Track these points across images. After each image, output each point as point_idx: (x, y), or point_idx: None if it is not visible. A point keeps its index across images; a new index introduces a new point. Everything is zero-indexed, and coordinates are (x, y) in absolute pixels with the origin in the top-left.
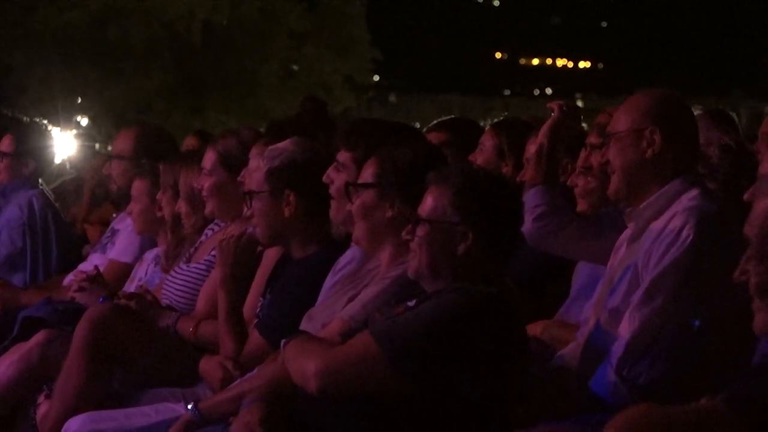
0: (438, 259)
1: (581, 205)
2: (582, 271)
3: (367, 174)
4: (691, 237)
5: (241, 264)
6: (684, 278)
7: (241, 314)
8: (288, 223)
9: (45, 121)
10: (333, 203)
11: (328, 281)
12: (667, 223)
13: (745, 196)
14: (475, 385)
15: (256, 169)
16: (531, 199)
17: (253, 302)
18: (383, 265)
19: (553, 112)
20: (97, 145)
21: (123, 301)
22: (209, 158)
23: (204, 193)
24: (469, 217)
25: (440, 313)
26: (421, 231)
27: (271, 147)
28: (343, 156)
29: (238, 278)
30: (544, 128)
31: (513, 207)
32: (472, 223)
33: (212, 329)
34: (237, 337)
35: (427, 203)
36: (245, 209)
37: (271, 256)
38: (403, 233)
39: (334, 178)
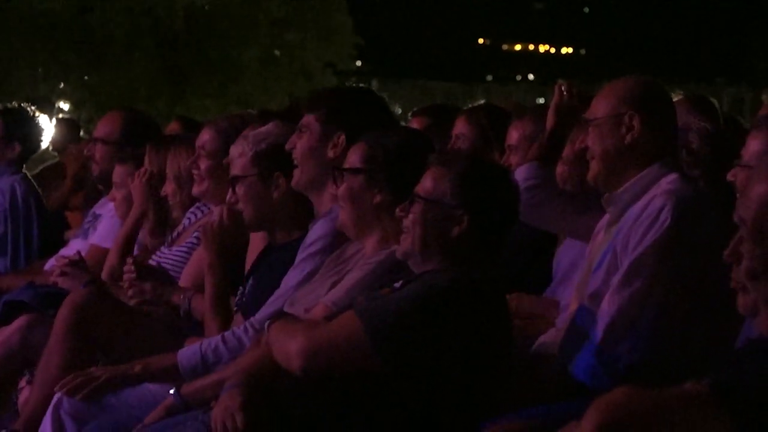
0: (430, 239)
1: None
2: (564, 255)
3: (355, 159)
4: (669, 220)
5: (226, 247)
6: (663, 261)
7: (227, 298)
8: (276, 206)
9: (33, 107)
10: (296, 171)
11: (298, 257)
12: (646, 205)
13: (728, 176)
14: (457, 368)
15: (241, 154)
16: (522, 172)
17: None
18: (368, 250)
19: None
20: (81, 133)
21: (129, 276)
22: (211, 139)
23: (198, 173)
24: (467, 202)
25: (425, 294)
26: (417, 209)
27: (253, 132)
28: (306, 119)
29: (225, 262)
30: (550, 109)
31: (511, 197)
32: (469, 208)
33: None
34: (222, 321)
35: (427, 182)
36: (228, 195)
37: (256, 243)
38: (397, 210)
39: (296, 143)
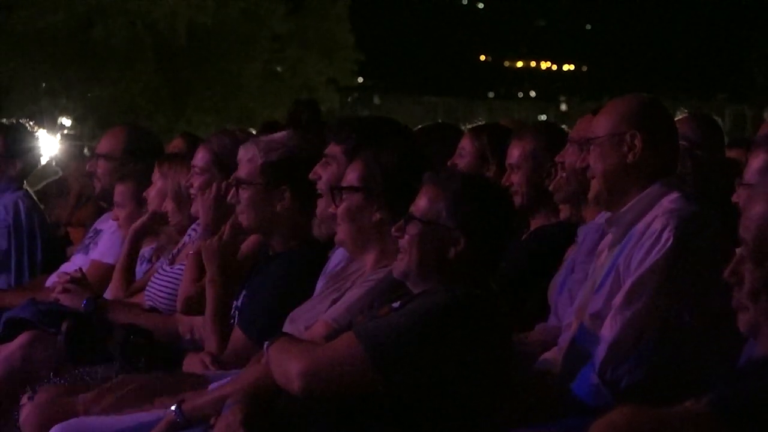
0: (427, 260)
1: (557, 198)
2: (560, 285)
3: (353, 177)
4: (671, 240)
5: (227, 261)
6: (665, 281)
7: (227, 313)
8: (277, 217)
9: (31, 123)
10: (321, 200)
11: (319, 284)
12: (648, 225)
13: (733, 198)
14: (458, 386)
15: (250, 159)
16: None
17: None
18: (367, 267)
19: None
20: (85, 150)
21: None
22: (202, 157)
23: (192, 191)
24: (463, 224)
25: (425, 314)
26: (413, 230)
27: (266, 138)
28: (332, 149)
29: (225, 277)
30: None
31: (507, 215)
32: (465, 229)
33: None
34: (221, 335)
35: (422, 203)
36: (230, 196)
37: (247, 247)
38: (393, 229)
39: (322, 174)
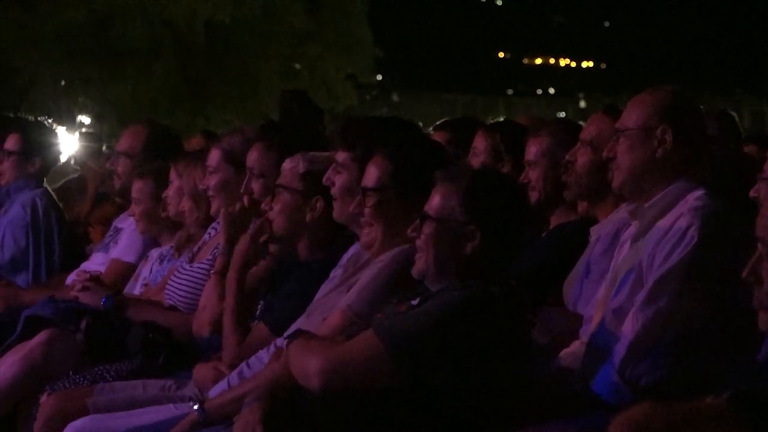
0: (444, 258)
1: (567, 195)
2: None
3: (375, 176)
4: (696, 239)
5: (252, 262)
6: (688, 280)
7: (246, 309)
8: (307, 226)
9: (50, 120)
10: (336, 204)
11: (327, 284)
12: (673, 222)
13: (751, 192)
14: (478, 382)
15: (293, 167)
16: None
17: None
18: (375, 249)
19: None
20: (104, 147)
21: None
22: (214, 156)
23: (210, 192)
24: (477, 218)
25: (444, 311)
26: (428, 228)
27: (313, 153)
28: (341, 156)
29: (245, 277)
30: None
31: (520, 208)
32: (480, 223)
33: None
34: (241, 335)
35: (435, 201)
36: (264, 204)
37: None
38: (409, 230)
39: (335, 180)
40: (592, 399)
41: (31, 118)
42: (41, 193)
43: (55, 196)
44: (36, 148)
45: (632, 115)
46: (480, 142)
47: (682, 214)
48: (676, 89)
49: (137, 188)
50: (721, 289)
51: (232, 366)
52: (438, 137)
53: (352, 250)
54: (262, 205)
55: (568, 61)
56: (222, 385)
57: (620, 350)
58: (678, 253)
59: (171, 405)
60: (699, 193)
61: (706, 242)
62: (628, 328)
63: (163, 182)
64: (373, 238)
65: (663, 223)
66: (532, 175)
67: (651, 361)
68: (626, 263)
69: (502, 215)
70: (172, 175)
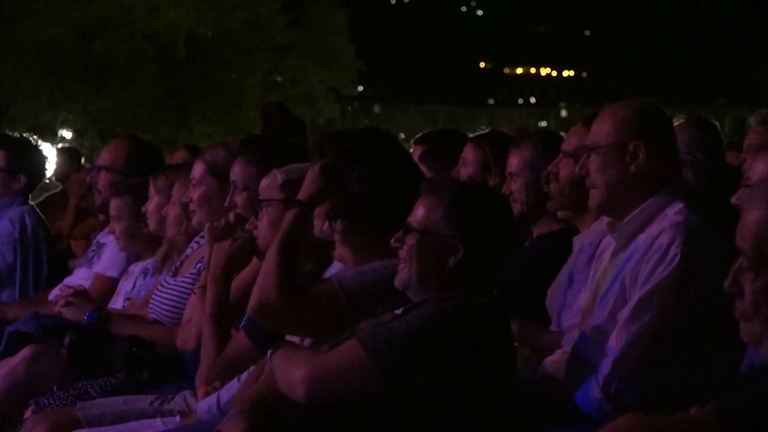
0: (427, 270)
1: (550, 206)
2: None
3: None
4: (678, 255)
5: (235, 265)
6: (672, 296)
7: (225, 315)
8: None
9: (35, 137)
10: (315, 222)
11: None
12: (655, 238)
13: (733, 199)
14: (461, 393)
15: (270, 182)
16: None
17: None
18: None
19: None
20: (83, 159)
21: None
22: (198, 169)
23: (192, 205)
24: (461, 232)
25: (428, 320)
26: (411, 240)
27: (288, 165)
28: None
29: (226, 279)
30: None
31: (504, 221)
32: (463, 237)
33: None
34: (220, 338)
35: (419, 212)
36: (248, 223)
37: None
38: (392, 240)
39: None
40: (576, 411)
41: (15, 134)
42: (29, 210)
43: (40, 213)
44: (21, 165)
45: (602, 131)
46: (470, 153)
47: (663, 229)
48: (645, 102)
49: (115, 206)
50: (704, 302)
51: (210, 374)
52: (418, 150)
53: (334, 268)
54: (246, 225)
55: (549, 70)
56: (211, 399)
57: (605, 367)
58: (661, 270)
59: (158, 419)
60: (679, 206)
61: (689, 258)
62: (613, 344)
63: (142, 198)
64: (343, 255)
65: (643, 236)
66: (514, 186)
67: (636, 378)
68: (607, 277)
69: (486, 230)
70: (151, 190)
